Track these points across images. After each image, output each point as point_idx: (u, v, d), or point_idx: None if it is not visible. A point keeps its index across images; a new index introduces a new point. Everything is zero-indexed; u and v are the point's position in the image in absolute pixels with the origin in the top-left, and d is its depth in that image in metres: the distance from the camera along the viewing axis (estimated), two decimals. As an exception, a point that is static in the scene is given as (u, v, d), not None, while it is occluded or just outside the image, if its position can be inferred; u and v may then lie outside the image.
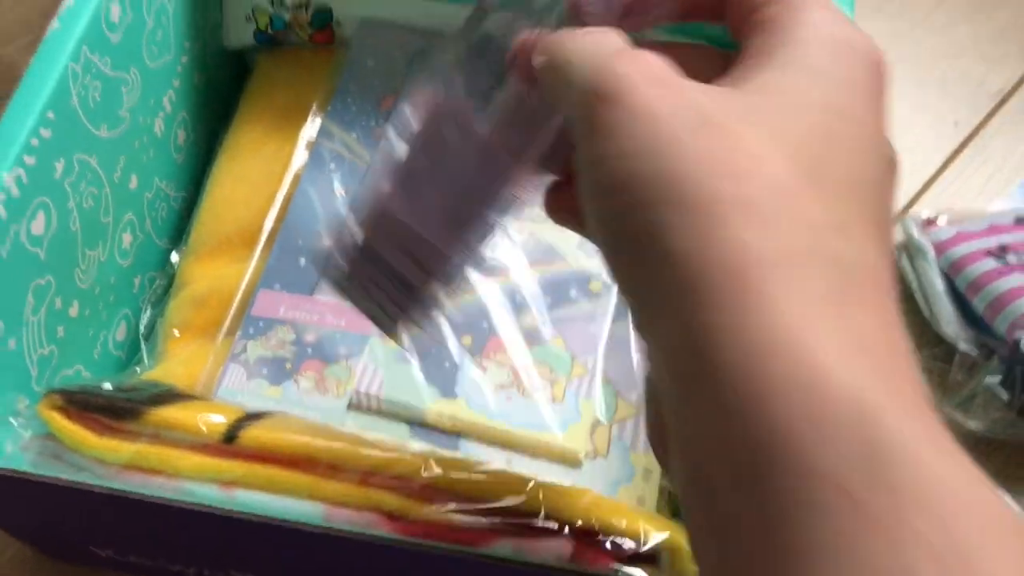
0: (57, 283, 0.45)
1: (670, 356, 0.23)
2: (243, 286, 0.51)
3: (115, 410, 0.40)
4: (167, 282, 0.54)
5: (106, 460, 0.39)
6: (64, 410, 0.40)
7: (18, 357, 0.43)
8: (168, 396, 0.41)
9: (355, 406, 0.47)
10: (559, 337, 0.49)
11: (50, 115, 0.43)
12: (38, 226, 0.43)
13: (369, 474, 0.39)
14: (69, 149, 0.45)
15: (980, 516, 0.19)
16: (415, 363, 0.47)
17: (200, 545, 0.42)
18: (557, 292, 0.50)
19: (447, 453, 0.42)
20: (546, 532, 0.39)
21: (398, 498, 0.39)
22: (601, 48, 0.25)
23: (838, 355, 0.21)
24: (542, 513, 0.38)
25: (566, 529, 0.38)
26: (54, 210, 0.44)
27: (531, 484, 0.39)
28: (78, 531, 0.44)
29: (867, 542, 0.19)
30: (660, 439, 0.29)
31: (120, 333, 0.53)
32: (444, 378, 0.47)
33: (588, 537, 0.38)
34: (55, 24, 0.45)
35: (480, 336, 0.49)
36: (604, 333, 0.49)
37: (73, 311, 0.47)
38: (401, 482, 0.39)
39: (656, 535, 0.39)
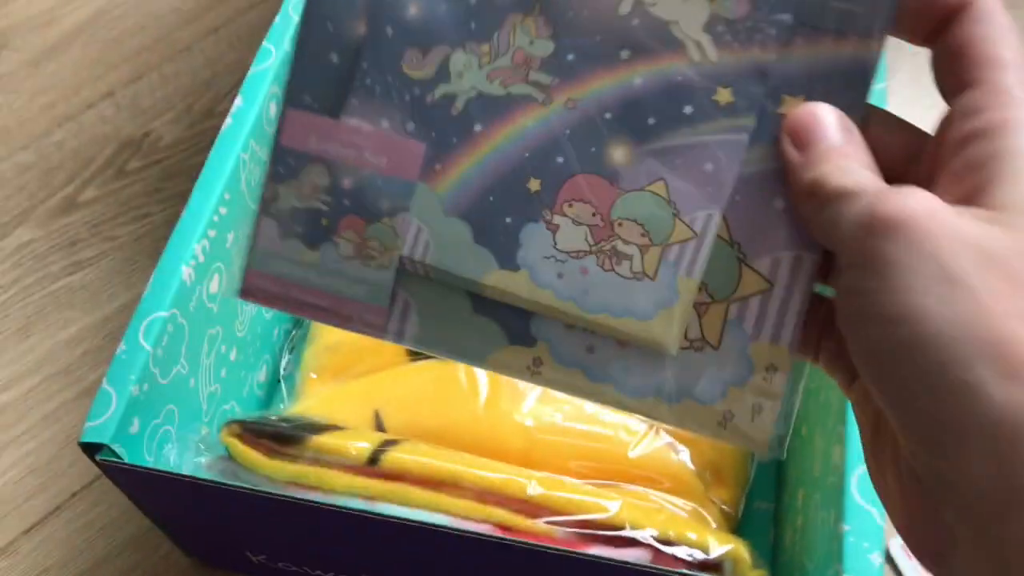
0: (224, 332, 0.55)
1: (977, 482, 0.24)
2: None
3: (281, 437, 0.49)
4: (303, 332, 0.64)
5: (273, 478, 0.49)
6: (241, 436, 0.50)
7: (195, 394, 0.53)
8: (321, 427, 0.51)
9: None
10: (660, 180, 0.32)
11: (227, 196, 0.53)
12: (214, 286, 0.53)
13: (485, 493, 0.48)
14: (238, 223, 0.55)
15: None
16: (464, 220, 0.33)
17: (342, 552, 0.51)
18: (663, 105, 0.31)
19: (544, 475, 0.50)
20: (630, 542, 0.47)
21: (509, 513, 0.48)
22: (872, 183, 0.27)
23: None
24: (627, 526, 0.47)
25: (648, 540, 0.47)
26: (225, 273, 0.54)
27: (618, 502, 0.48)
28: (240, 536, 0.53)
29: None
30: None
31: (262, 375, 0.62)
32: (501, 241, 0.33)
33: (664, 547, 0.47)
34: (229, 120, 0.55)
35: (552, 178, 0.32)
36: (731, 176, 0.31)
37: (232, 356, 0.57)
38: (510, 500, 0.48)
39: (721, 547, 0.47)
